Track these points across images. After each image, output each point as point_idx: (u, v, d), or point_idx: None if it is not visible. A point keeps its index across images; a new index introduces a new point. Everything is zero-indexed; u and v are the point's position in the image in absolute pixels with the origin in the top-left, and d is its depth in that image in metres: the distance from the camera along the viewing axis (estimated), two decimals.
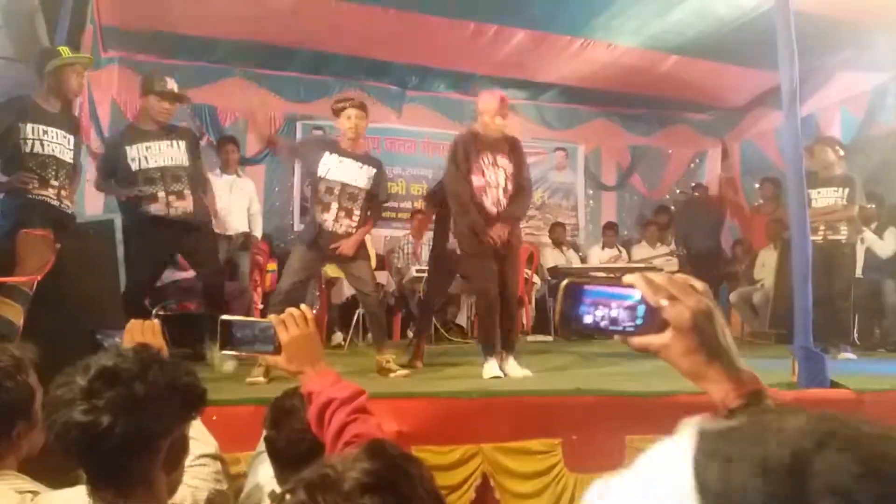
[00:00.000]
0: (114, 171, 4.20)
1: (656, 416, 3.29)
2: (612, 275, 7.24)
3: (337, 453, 1.25)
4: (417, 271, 6.46)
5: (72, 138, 3.86)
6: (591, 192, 8.68)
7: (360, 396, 1.37)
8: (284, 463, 1.68)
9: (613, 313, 0.83)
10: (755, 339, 6.58)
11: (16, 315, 2.40)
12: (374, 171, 4.22)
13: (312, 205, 4.21)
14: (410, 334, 6.65)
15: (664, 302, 0.80)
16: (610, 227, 7.93)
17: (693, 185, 8.35)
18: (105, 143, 4.40)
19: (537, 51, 6.46)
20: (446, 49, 6.49)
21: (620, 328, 0.82)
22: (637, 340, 0.82)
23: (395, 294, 6.88)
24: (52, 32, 4.34)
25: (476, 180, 4.08)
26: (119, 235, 4.59)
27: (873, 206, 5.95)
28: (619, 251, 7.75)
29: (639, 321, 0.82)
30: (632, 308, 0.82)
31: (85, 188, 5.96)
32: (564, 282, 0.86)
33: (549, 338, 6.77)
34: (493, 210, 4.07)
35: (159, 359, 1.22)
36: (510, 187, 4.12)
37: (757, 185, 7.53)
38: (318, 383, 1.37)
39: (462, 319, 7.07)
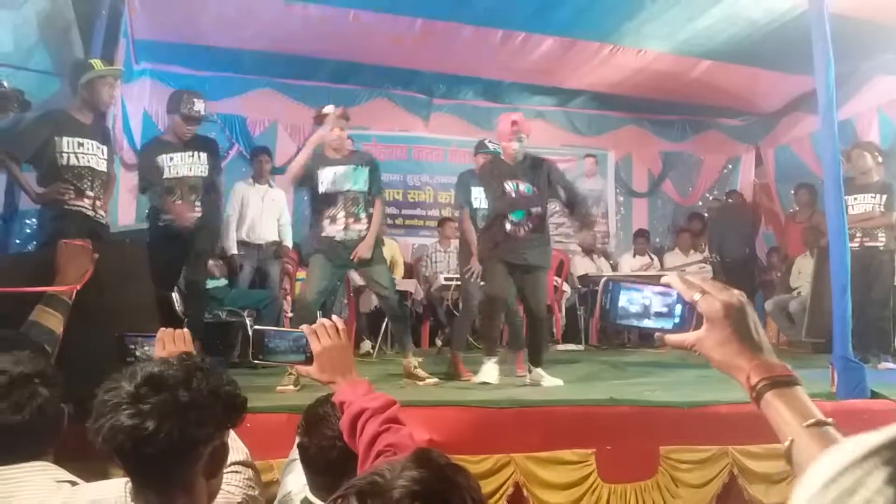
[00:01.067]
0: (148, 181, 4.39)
1: (691, 426, 3.24)
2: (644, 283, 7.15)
3: (370, 463, 1.25)
4: (446, 279, 6.44)
5: (105, 148, 3.94)
6: (621, 198, 8.59)
7: (392, 406, 1.37)
8: (316, 470, 1.68)
9: (651, 311, 0.88)
10: (792, 349, 6.44)
11: (56, 324, 2.44)
12: (369, 169, 4.25)
13: (317, 221, 4.20)
14: (439, 342, 6.66)
15: (697, 296, 0.84)
16: (641, 235, 7.84)
17: (727, 191, 8.22)
18: (139, 154, 4.62)
19: (566, 57, 6.42)
20: (473, 57, 6.48)
21: (659, 325, 0.87)
22: (672, 338, 0.87)
23: (424, 302, 6.87)
24: (88, 46, 4.43)
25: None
26: None
27: None
28: (651, 259, 7.65)
29: (676, 320, 0.86)
30: (669, 307, 0.86)
31: (118, 199, 6.09)
32: (604, 279, 0.91)
33: (580, 346, 6.70)
34: (515, 233, 4.10)
35: (203, 367, 1.24)
36: (534, 212, 4.14)
37: (792, 192, 7.39)
38: (349, 393, 1.38)
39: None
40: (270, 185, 5.97)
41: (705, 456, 3.16)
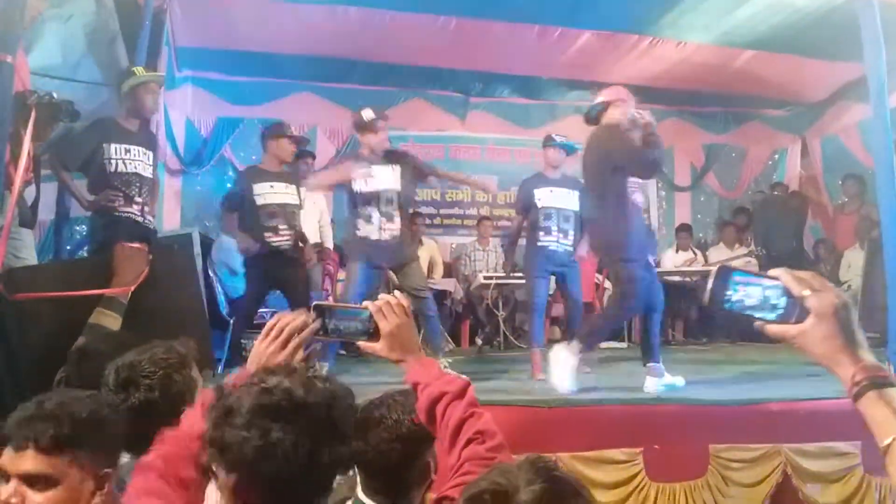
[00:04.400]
0: (240, 205, 4.56)
1: (740, 424, 3.18)
2: (687, 278, 7.03)
3: (459, 451, 1.28)
4: (485, 278, 6.43)
5: (151, 154, 4.03)
6: (663, 193, 8.45)
7: (470, 389, 1.36)
8: (373, 472, 1.67)
9: (756, 300, 0.93)
10: None
11: (115, 324, 2.53)
12: (400, 166, 4.25)
13: (352, 220, 4.23)
14: (479, 341, 6.65)
15: (807, 292, 0.89)
16: (684, 230, 7.68)
17: (772, 183, 8.03)
18: (235, 179, 4.97)
19: (604, 51, 6.35)
20: (510, 54, 6.45)
21: (761, 315, 0.93)
22: (774, 328, 0.92)
23: (463, 301, 6.86)
24: (132, 56, 4.54)
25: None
26: (197, 249, 4.76)
27: None
28: (695, 254, 7.50)
29: (780, 311, 0.92)
30: (775, 298, 0.92)
31: (163, 204, 6.21)
32: (717, 266, 0.97)
33: (623, 344, 6.62)
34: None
35: (338, 387, 1.18)
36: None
37: (840, 183, 7.18)
38: (423, 374, 1.37)
39: None
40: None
41: (757, 454, 3.09)
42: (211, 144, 7.08)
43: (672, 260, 7.46)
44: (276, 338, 1.31)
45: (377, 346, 1.37)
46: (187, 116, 6.92)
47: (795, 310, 0.90)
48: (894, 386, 0.85)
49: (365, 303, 1.39)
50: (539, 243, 4.67)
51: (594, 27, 6.03)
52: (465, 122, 7.72)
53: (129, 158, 3.87)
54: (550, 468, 0.94)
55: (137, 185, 3.86)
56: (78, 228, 5.12)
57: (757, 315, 0.93)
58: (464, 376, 1.38)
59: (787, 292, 0.91)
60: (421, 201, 7.85)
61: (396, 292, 1.41)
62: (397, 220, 4.17)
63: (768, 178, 8.38)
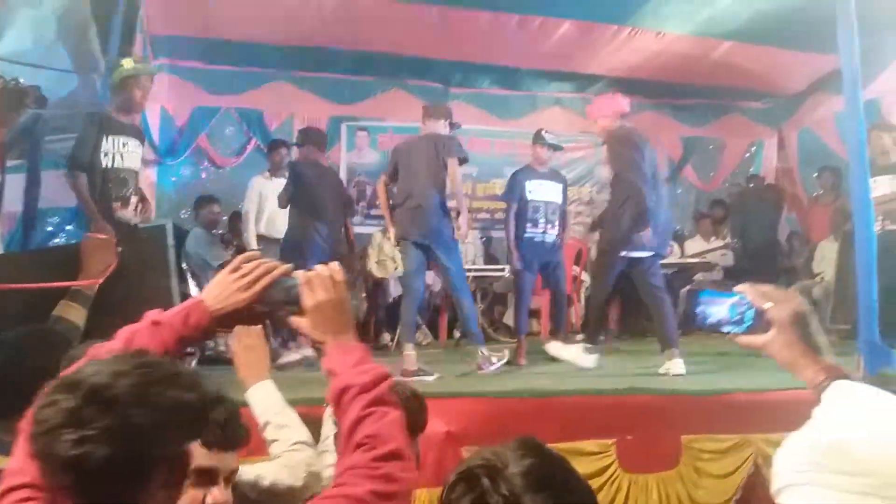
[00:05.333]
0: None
1: (712, 415, 3.20)
2: (664, 270, 7.06)
3: (349, 457, 1.08)
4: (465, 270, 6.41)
5: (142, 149, 3.96)
6: None
7: (382, 383, 1.14)
8: None
9: (725, 316, 1.04)
10: None
11: (79, 317, 2.48)
12: None
13: None
14: (457, 333, 6.64)
15: (767, 305, 0.98)
16: None
17: (749, 176, 8.09)
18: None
19: (584, 42, 6.34)
20: (490, 44, 6.41)
21: (731, 328, 1.04)
22: (743, 339, 1.02)
23: (442, 293, 6.84)
24: (105, 43, 4.46)
25: None
26: (170, 240, 4.69)
27: None
28: (671, 246, 7.54)
29: (748, 322, 1.02)
30: (742, 313, 1.03)
31: None
32: (687, 288, 1.15)
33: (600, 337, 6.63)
34: None
35: (162, 372, 1.03)
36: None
37: (815, 175, 7.25)
38: (338, 361, 1.16)
39: (510, 319, 7.00)
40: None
41: (728, 444, 3.12)
42: (186, 134, 6.99)
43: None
44: (246, 275, 1.19)
45: (302, 323, 1.19)
46: (162, 106, 6.81)
47: (763, 320, 0.99)
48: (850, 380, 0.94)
49: (297, 271, 1.22)
50: (526, 234, 4.92)
51: (574, 17, 6.01)
52: None
53: (126, 152, 3.75)
54: (539, 445, 0.99)
55: (132, 182, 3.77)
56: (50, 220, 5.02)
57: (728, 329, 1.04)
58: (385, 367, 1.18)
59: (752, 305, 1.01)
60: None
61: (334, 263, 1.22)
62: None
63: (745, 170, 8.45)
